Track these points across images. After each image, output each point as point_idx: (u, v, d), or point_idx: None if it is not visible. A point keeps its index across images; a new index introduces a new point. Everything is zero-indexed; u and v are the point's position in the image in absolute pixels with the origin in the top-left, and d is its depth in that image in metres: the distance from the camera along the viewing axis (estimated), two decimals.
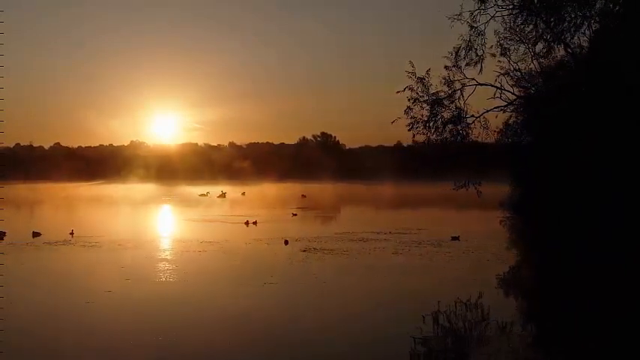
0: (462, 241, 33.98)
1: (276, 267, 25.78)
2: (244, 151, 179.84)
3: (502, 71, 25.85)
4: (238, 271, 25.05)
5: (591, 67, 23.08)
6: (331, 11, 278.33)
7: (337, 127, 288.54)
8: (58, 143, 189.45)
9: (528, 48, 25.34)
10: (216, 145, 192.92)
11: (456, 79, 25.68)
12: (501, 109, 26.14)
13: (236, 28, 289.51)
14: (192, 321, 16.84)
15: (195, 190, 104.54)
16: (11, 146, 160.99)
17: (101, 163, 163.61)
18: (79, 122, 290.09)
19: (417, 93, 25.71)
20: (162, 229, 47.45)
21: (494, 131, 26.80)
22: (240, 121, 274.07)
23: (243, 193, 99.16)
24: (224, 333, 15.84)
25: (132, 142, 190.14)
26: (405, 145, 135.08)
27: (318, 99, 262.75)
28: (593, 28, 23.66)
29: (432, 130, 25.76)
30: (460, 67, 25.45)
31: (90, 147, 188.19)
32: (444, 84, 25.70)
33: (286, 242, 33.37)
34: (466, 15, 24.92)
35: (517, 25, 24.54)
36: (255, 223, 45.22)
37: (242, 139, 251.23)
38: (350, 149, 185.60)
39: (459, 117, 25.76)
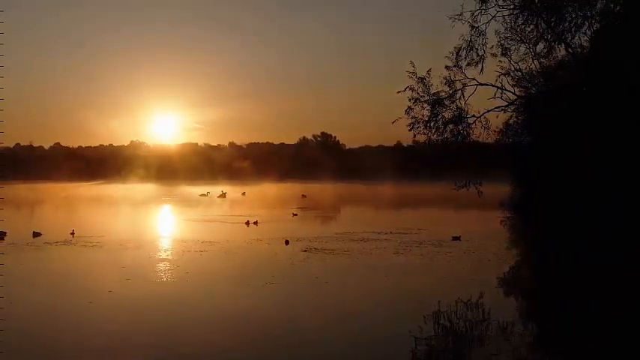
0: (463, 241, 33.97)
1: (277, 267, 25.77)
2: (244, 151, 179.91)
3: (503, 71, 25.93)
4: (239, 271, 25.03)
5: (592, 67, 23.09)
6: (331, 11, 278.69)
7: (337, 127, 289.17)
8: (58, 143, 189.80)
9: (529, 48, 25.41)
10: (216, 145, 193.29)
11: (456, 79, 25.77)
12: (502, 109, 26.21)
13: (236, 28, 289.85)
14: (193, 321, 16.83)
15: (195, 190, 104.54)
16: (11, 146, 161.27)
17: (101, 163, 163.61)
18: (79, 122, 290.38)
19: (418, 93, 25.79)
20: (163, 229, 47.43)
21: (495, 131, 26.88)
22: (240, 121, 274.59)
23: (244, 193, 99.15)
24: (225, 333, 15.83)
25: (132, 142, 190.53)
26: (405, 145, 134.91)
27: (318, 99, 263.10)
28: (594, 28, 23.72)
29: (433, 130, 25.83)
30: (461, 67, 25.53)
31: (90, 147, 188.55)
32: (445, 84, 25.78)
33: (287, 242, 33.36)
34: (467, 15, 25.04)
35: (518, 25, 24.64)
36: (255, 223, 45.21)
37: (242, 139, 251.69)
38: (350, 149, 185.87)
39: (459, 117, 25.80)
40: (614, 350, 14.53)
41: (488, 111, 26.13)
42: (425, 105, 25.73)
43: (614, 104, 21.48)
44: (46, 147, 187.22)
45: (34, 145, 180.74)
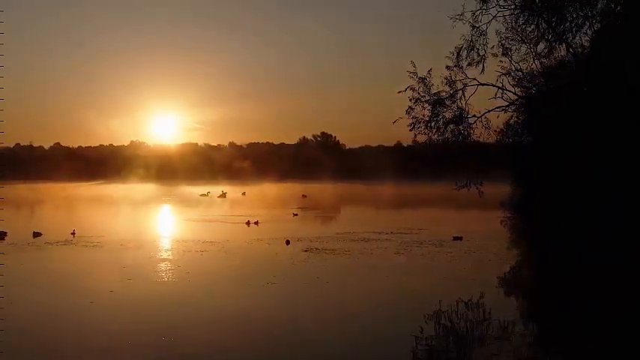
0: (464, 241, 33.98)
1: (277, 267, 25.77)
2: (244, 151, 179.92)
3: (504, 71, 25.92)
4: (240, 271, 25.04)
5: (592, 67, 23.09)
6: (331, 11, 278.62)
7: (337, 127, 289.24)
8: (58, 143, 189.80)
9: (530, 48, 25.39)
10: (216, 145, 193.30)
11: (457, 79, 25.76)
12: (503, 109, 26.21)
13: (236, 28, 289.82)
14: (194, 321, 16.84)
15: (195, 190, 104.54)
16: (11, 146, 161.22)
17: (101, 163, 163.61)
18: (79, 122, 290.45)
19: (419, 93, 25.78)
20: (164, 229, 47.43)
21: (495, 131, 26.88)
22: (240, 121, 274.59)
23: (244, 193, 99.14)
24: (226, 333, 15.83)
25: (132, 142, 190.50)
26: (405, 145, 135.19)
27: (318, 99, 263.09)
28: (595, 28, 23.72)
29: (434, 130, 25.82)
30: (462, 67, 25.52)
31: (90, 147, 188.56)
32: (446, 84, 25.78)
33: (288, 242, 33.37)
34: (468, 15, 25.01)
35: (519, 25, 24.62)
36: (256, 223, 45.20)
37: (242, 139, 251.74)
38: (350, 149, 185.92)
39: (460, 117, 25.80)
40: (614, 350, 14.54)
41: (489, 111, 26.15)
42: (426, 105, 25.74)
43: (614, 104, 21.48)
44: (46, 147, 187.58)
45: (34, 145, 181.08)
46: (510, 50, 25.52)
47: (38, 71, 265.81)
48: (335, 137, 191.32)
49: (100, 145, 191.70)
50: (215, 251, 30.39)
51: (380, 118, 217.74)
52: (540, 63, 25.90)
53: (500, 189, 30.48)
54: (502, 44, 25.35)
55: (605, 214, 21.66)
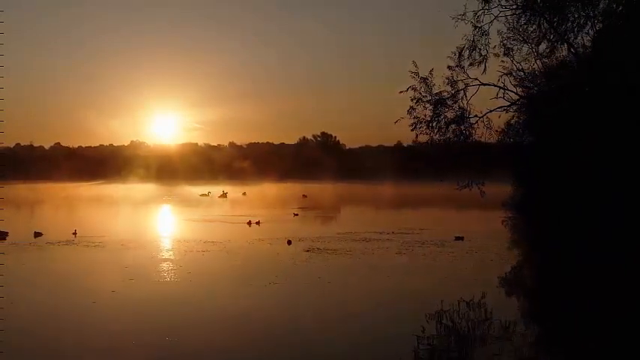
0: (465, 241, 34.01)
1: (279, 267, 25.78)
2: (244, 151, 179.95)
3: (505, 71, 25.89)
4: (242, 271, 25.05)
5: (594, 67, 23.09)
6: (331, 11, 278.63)
7: (337, 127, 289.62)
8: (58, 143, 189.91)
9: (531, 48, 25.36)
10: (216, 145, 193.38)
11: (459, 79, 25.72)
12: (504, 109, 26.19)
13: (236, 28, 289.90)
14: (196, 321, 16.85)
15: (195, 190, 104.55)
16: (11, 146, 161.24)
17: (101, 163, 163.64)
18: (79, 122, 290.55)
19: (420, 93, 25.74)
20: (165, 229, 47.44)
21: (496, 131, 26.86)
22: (240, 121, 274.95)
23: (244, 193, 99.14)
24: (227, 333, 15.84)
25: (132, 142, 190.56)
26: (405, 145, 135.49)
27: (318, 99, 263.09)
28: (597, 28, 23.70)
29: (435, 130, 25.79)
30: (463, 67, 25.49)
31: (90, 147, 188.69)
32: (447, 84, 25.75)
33: (289, 242, 33.39)
34: (470, 15, 24.97)
35: (520, 25, 24.58)
36: (258, 223, 45.21)
37: (242, 139, 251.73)
38: (350, 149, 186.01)
39: (462, 117, 25.78)
40: (615, 350, 14.56)
41: (491, 111, 26.12)
42: (427, 105, 25.71)
43: (616, 104, 21.48)
44: (46, 147, 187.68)
45: (34, 145, 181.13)
46: (512, 50, 25.52)
47: (38, 71, 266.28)
48: (335, 137, 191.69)
49: (100, 145, 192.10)
50: (216, 251, 30.40)
51: (380, 118, 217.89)
52: (542, 63, 25.91)
53: (501, 189, 30.49)
54: (504, 44, 25.35)
55: (606, 214, 21.66)
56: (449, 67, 25.62)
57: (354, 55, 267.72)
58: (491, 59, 25.62)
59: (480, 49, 25.12)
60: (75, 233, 36.29)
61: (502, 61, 25.83)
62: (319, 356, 14.08)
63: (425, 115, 25.84)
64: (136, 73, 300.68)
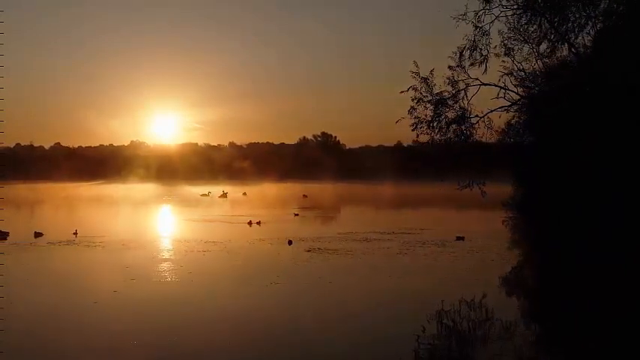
0: (466, 242, 34.03)
1: (280, 267, 25.80)
2: (244, 151, 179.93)
3: (506, 71, 25.80)
4: (243, 272, 25.08)
5: (594, 67, 23.09)
6: (331, 11, 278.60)
7: (337, 127, 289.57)
8: (58, 143, 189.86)
9: (532, 48, 25.29)
10: (216, 145, 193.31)
11: (460, 79, 25.63)
12: (505, 109, 26.14)
13: (236, 28, 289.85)
14: (197, 321, 16.89)
15: (195, 190, 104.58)
16: (11, 146, 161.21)
17: (101, 163, 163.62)
18: (79, 122, 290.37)
19: (421, 93, 25.67)
20: (165, 229, 47.47)
21: (497, 131, 26.84)
22: (240, 121, 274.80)
23: (244, 193, 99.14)
24: (229, 333, 15.85)
25: (132, 142, 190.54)
26: (405, 145, 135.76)
27: (318, 99, 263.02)
28: (597, 28, 23.68)
29: (436, 130, 25.72)
30: (464, 67, 25.40)
31: (90, 147, 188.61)
32: (448, 84, 25.67)
33: (290, 242, 33.40)
34: (470, 15, 24.93)
35: (521, 25, 24.52)
36: (259, 223, 45.22)
37: (242, 139, 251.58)
38: (350, 149, 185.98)
39: (462, 117, 25.73)
40: (615, 350, 14.58)
41: (492, 111, 26.07)
42: (428, 105, 25.65)
43: (616, 104, 21.49)
44: (46, 147, 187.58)
45: (34, 145, 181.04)
46: (513, 50, 25.45)
47: (38, 71, 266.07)
48: (335, 137, 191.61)
49: (100, 145, 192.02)
50: (217, 251, 30.42)
51: (380, 118, 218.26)
52: (543, 63, 25.84)
53: (502, 189, 30.47)
54: (504, 44, 25.28)
55: (606, 214, 21.66)
56: (450, 67, 25.57)
57: (354, 55, 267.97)
58: (492, 59, 25.59)
59: (481, 49, 25.08)
60: (76, 233, 36.32)
61: (503, 61, 25.81)
62: (319, 356, 14.10)
63: (426, 115, 25.80)
64: (136, 73, 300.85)
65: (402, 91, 26.04)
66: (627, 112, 21.20)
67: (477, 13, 24.74)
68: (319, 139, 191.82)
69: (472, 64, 25.32)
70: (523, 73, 26.09)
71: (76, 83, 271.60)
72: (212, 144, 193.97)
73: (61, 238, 35.06)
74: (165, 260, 27.65)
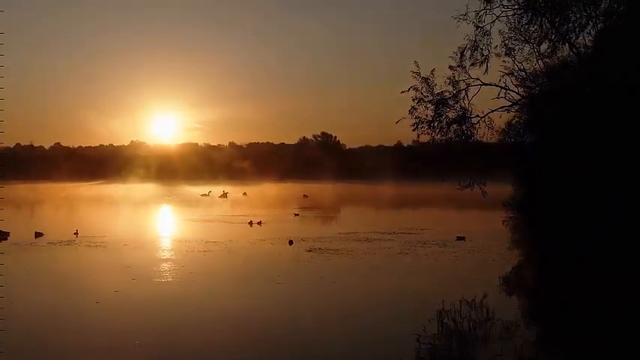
0: (467, 242, 34.04)
1: (281, 267, 25.81)
2: (244, 151, 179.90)
3: (507, 71, 25.86)
4: (244, 272, 25.08)
5: (595, 67, 23.10)
6: (331, 11, 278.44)
7: (337, 127, 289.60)
8: (58, 143, 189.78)
9: (533, 48, 25.33)
10: (216, 145, 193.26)
11: (460, 79, 25.69)
12: (506, 109, 26.19)
13: (236, 28, 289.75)
14: (198, 321, 16.89)
15: (195, 190, 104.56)
16: (11, 146, 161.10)
17: (101, 163, 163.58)
18: (79, 122, 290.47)
19: (422, 93, 25.72)
20: (166, 229, 47.46)
21: (498, 131, 26.86)
22: (240, 121, 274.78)
23: (245, 193, 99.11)
24: (229, 333, 15.84)
25: (132, 142, 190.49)
26: (405, 145, 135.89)
27: (318, 99, 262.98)
28: (598, 28, 23.70)
29: (437, 130, 25.77)
30: (465, 67, 25.46)
31: (90, 147, 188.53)
32: (449, 84, 25.72)
33: (291, 242, 33.40)
34: (471, 15, 24.96)
35: (522, 25, 24.56)
36: (259, 223, 45.21)
37: (242, 139, 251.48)
38: (350, 149, 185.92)
39: (463, 117, 25.77)
40: (615, 350, 14.58)
41: (492, 111, 26.10)
42: (429, 105, 25.69)
43: (617, 104, 21.50)
44: (46, 147, 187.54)
45: (34, 145, 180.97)
46: (514, 50, 25.49)
47: (38, 71, 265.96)
48: (335, 137, 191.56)
49: (100, 145, 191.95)
50: (218, 251, 30.43)
51: (380, 118, 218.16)
52: (543, 63, 25.87)
53: (502, 189, 30.48)
54: (505, 44, 25.31)
55: (606, 214, 21.68)
56: (450, 67, 25.62)
57: (354, 55, 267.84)
58: (493, 59, 25.62)
59: (482, 49, 25.12)
60: (76, 233, 36.33)
61: (504, 61, 25.85)
62: (320, 356, 14.10)
63: (426, 115, 25.85)
64: (136, 73, 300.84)
65: (402, 91, 26.11)
66: (628, 112, 21.21)
67: (478, 13, 24.81)
68: (319, 139, 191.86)
69: (473, 64, 25.40)
70: (524, 73, 26.15)
71: (76, 83, 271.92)
72: (212, 144, 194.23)
73: (62, 238, 35.07)
74: (166, 260, 27.66)
